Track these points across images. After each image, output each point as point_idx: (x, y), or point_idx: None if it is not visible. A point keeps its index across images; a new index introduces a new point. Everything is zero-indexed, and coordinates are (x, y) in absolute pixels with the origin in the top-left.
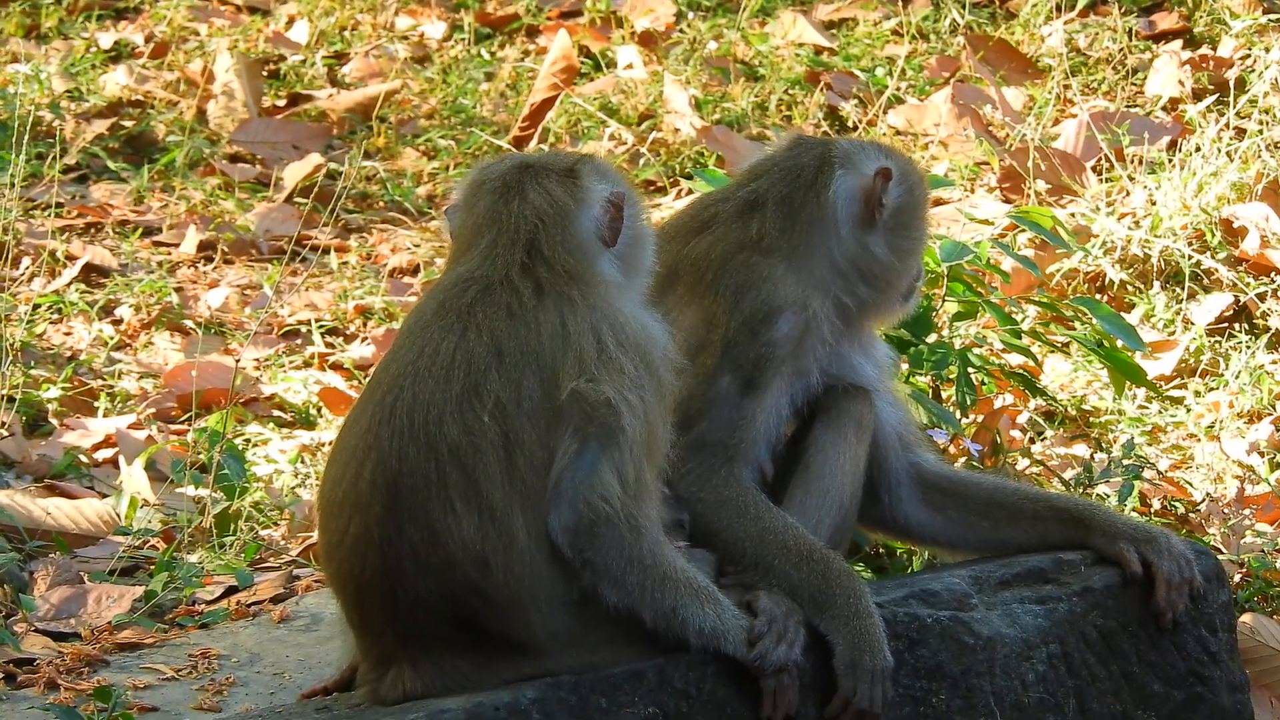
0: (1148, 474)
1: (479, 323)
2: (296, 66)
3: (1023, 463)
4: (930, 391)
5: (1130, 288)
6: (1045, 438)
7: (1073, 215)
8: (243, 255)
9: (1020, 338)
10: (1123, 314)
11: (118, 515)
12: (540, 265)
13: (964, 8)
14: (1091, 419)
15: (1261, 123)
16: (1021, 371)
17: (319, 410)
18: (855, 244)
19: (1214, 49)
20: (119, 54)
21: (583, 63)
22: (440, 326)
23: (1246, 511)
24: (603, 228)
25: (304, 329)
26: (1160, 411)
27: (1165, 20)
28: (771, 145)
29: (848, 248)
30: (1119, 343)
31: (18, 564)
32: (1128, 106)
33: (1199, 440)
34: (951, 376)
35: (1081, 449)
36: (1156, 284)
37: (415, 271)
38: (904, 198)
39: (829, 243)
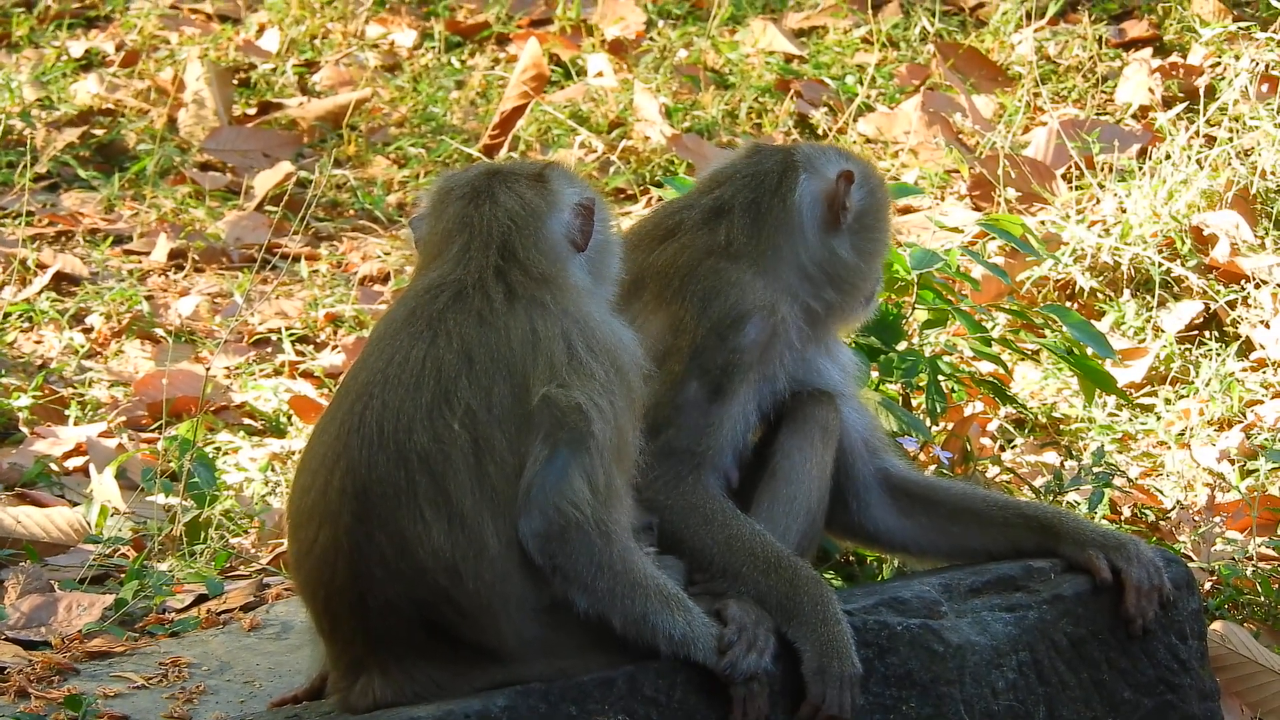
0: (1118, 481)
1: (449, 329)
2: (267, 75)
3: (993, 470)
4: (900, 399)
5: (1100, 295)
6: (1015, 445)
7: (1043, 223)
8: (213, 263)
9: (990, 345)
10: (1093, 322)
11: (88, 523)
12: (514, 268)
13: (934, 16)
14: (1062, 426)
15: (1231, 130)
16: (992, 379)
17: (289, 418)
18: (821, 247)
19: (1184, 56)
20: (90, 62)
21: (553, 71)
22: (410, 334)
23: (1217, 519)
24: (573, 232)
25: (274, 337)
26: (1130, 419)
27: (1135, 28)
28: (731, 153)
29: (814, 251)
30: (1089, 350)
31: None
32: (1098, 114)
33: (1169, 448)
34: (922, 384)
35: (1052, 456)
36: (1126, 292)
37: (386, 279)
38: (866, 200)
39: (795, 247)
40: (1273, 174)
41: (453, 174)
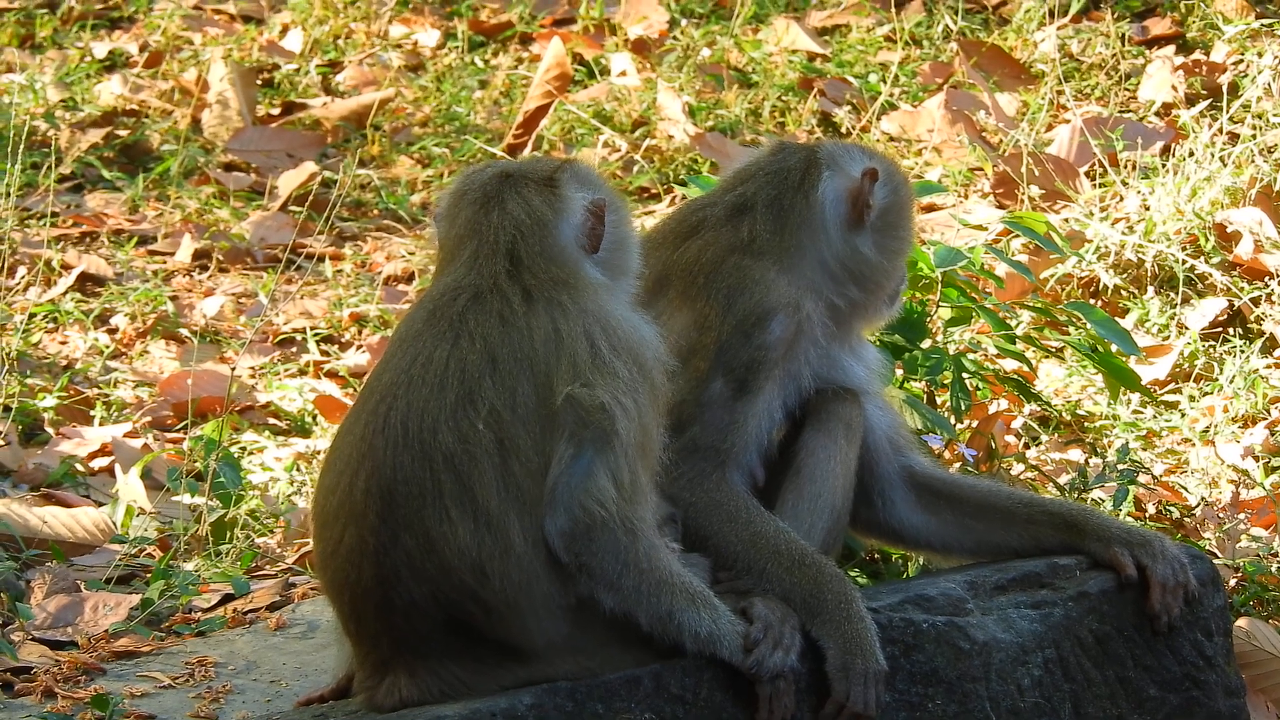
0: (1142, 479)
1: (471, 330)
2: (290, 75)
3: (1017, 468)
4: (925, 397)
5: (1124, 293)
6: (1040, 443)
7: (1066, 220)
8: (238, 264)
9: (1014, 343)
10: (1117, 319)
11: (114, 523)
12: (525, 273)
13: (957, 14)
14: (1086, 424)
15: (1255, 127)
16: (1016, 377)
17: (314, 418)
18: (844, 245)
19: (1207, 54)
20: (113, 63)
21: (576, 70)
22: (433, 334)
23: (1241, 516)
24: (583, 236)
25: (299, 337)
26: (1155, 416)
27: (1158, 25)
28: (754, 151)
29: (837, 249)
30: (1113, 347)
31: (14, 573)
32: (1121, 112)
33: (1194, 445)
34: (946, 382)
35: (1076, 454)
36: (1150, 289)
37: (410, 279)
38: (890, 198)
39: (819, 244)
40: None
41: (469, 173)
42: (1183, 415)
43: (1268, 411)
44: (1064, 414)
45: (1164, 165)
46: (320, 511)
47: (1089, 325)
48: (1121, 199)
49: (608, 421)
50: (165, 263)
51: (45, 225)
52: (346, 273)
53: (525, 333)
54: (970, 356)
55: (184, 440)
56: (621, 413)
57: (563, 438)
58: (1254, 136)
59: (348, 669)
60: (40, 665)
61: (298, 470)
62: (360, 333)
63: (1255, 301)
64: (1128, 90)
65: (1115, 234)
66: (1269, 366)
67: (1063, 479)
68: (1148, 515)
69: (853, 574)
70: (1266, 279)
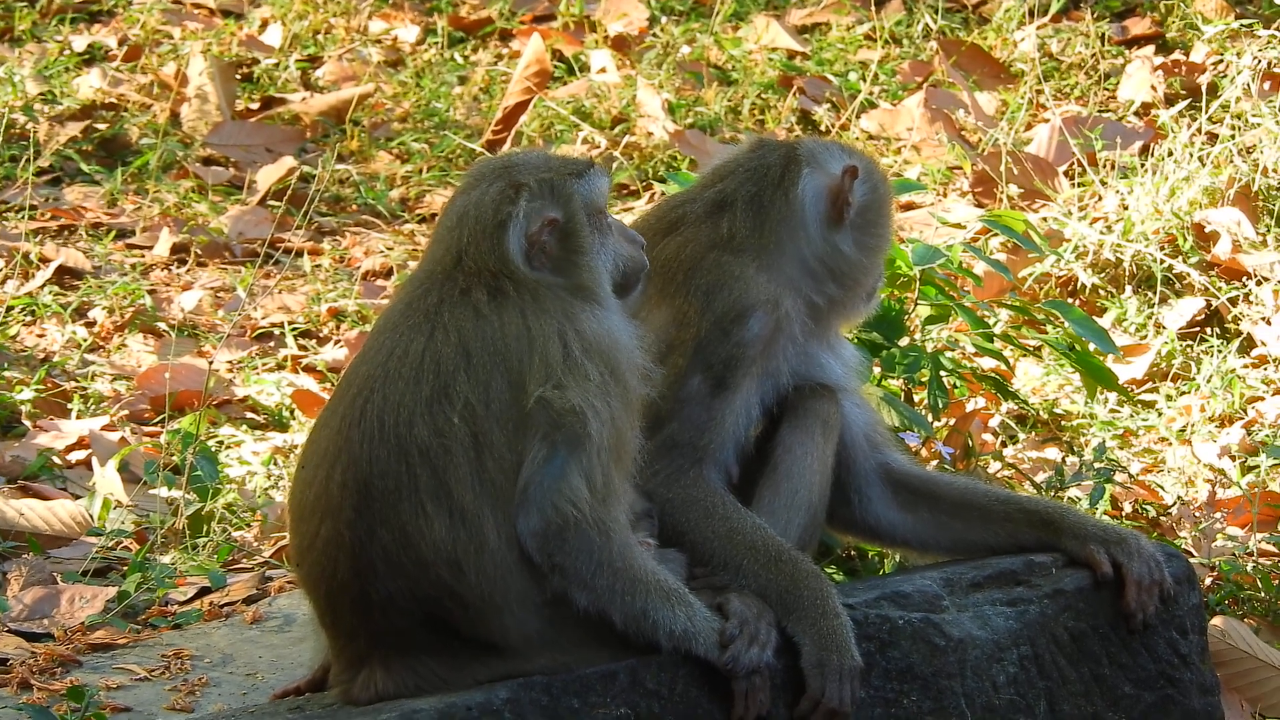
0: (1119, 477)
1: (446, 323)
2: (270, 70)
3: (994, 466)
4: (902, 395)
5: (1102, 292)
6: (1017, 441)
7: (1045, 219)
8: (216, 258)
9: (992, 341)
10: (1095, 318)
11: (91, 516)
12: (475, 270)
13: (937, 13)
14: (1063, 423)
15: (1233, 128)
16: (993, 375)
17: (292, 412)
18: (824, 242)
19: (1186, 54)
20: (92, 57)
21: (556, 66)
22: (409, 326)
23: (1217, 515)
24: (530, 246)
25: (277, 331)
26: (1132, 415)
27: (1138, 25)
28: (734, 148)
29: (816, 246)
30: (1091, 346)
31: None
32: (1100, 111)
33: (1170, 444)
34: (923, 380)
35: (1053, 452)
36: (1128, 288)
37: (388, 274)
38: (869, 196)
39: (798, 241)
40: (1274, 171)
41: (483, 160)
42: (1160, 414)
43: (1244, 411)
44: (1041, 412)
45: (1143, 165)
46: (297, 505)
47: (1067, 324)
48: (1100, 198)
49: (580, 424)
50: (143, 256)
51: (23, 218)
52: (325, 268)
53: (497, 327)
54: (948, 354)
55: (161, 434)
56: (594, 415)
57: (536, 438)
58: (1233, 137)
59: (324, 661)
60: (16, 657)
61: (275, 464)
62: (338, 328)
63: (1233, 301)
64: (1107, 90)
65: (1094, 233)
66: (1246, 366)
67: (1040, 477)
68: (1124, 514)
69: (829, 570)
70: (1244, 279)
